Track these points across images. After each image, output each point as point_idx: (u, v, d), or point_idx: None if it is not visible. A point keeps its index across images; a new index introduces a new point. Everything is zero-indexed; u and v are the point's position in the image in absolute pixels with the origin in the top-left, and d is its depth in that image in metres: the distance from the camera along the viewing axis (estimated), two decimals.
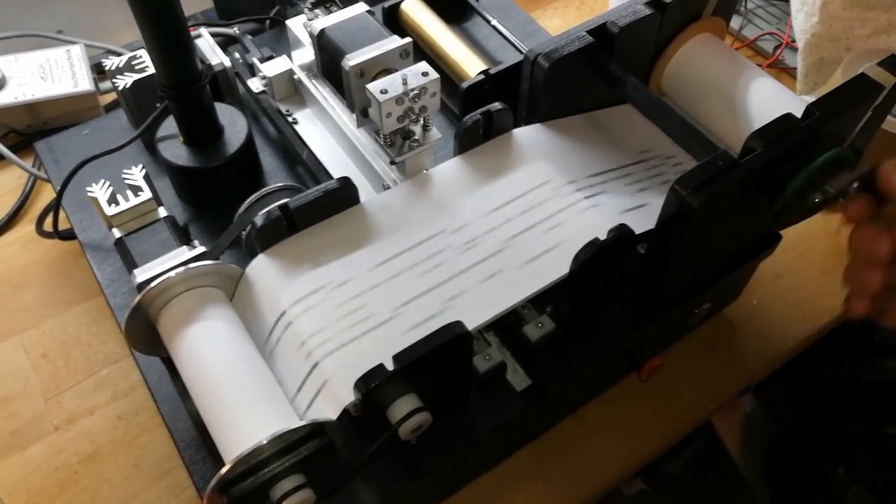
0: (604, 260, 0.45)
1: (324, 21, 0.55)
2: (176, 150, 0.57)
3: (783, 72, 0.82)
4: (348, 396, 0.40)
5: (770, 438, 0.90)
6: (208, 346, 0.43)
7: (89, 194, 0.49)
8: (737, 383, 0.62)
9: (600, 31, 0.51)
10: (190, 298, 0.45)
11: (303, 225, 0.48)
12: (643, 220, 0.48)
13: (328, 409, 0.41)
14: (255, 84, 0.63)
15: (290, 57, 0.63)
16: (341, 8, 0.59)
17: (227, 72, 0.62)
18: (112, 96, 0.76)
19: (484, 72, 0.59)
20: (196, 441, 0.48)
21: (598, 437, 0.58)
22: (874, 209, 0.42)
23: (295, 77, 0.62)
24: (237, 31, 0.72)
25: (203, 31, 0.64)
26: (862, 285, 0.41)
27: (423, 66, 0.48)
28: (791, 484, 0.87)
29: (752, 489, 0.90)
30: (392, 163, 0.51)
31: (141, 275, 0.46)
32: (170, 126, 0.58)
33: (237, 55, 0.65)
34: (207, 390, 0.42)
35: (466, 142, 0.52)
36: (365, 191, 0.56)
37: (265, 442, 0.37)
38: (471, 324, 0.42)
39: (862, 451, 0.77)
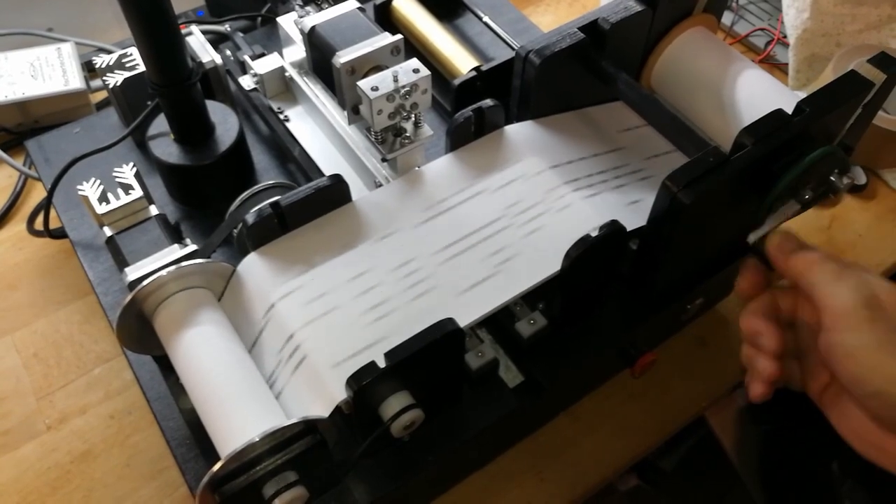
0: (595, 256, 0.45)
1: (315, 18, 0.54)
2: (167, 148, 0.57)
3: (775, 67, 0.82)
4: (340, 394, 0.40)
5: (764, 433, 0.90)
6: (201, 351, 0.43)
7: (80, 193, 0.49)
8: (730, 378, 0.62)
9: (592, 28, 0.51)
10: (179, 303, 0.45)
11: (294, 223, 0.47)
12: (635, 217, 0.48)
13: (320, 407, 0.41)
14: (247, 81, 0.62)
15: (281, 54, 0.63)
16: (332, 5, 0.59)
17: (219, 69, 0.62)
18: (103, 94, 0.75)
19: (476, 68, 0.59)
20: (188, 439, 0.48)
21: (591, 434, 0.58)
22: (766, 278, 0.43)
23: (286, 74, 0.61)
24: (228, 29, 0.72)
25: (194, 28, 0.64)
26: (756, 372, 0.42)
27: (414, 62, 0.48)
28: (785, 478, 0.87)
29: (746, 484, 0.90)
30: (383, 160, 0.51)
31: (132, 273, 0.46)
32: (161, 124, 0.58)
33: (228, 53, 0.65)
34: (202, 393, 0.42)
35: (458, 138, 0.52)
36: (357, 188, 0.56)
37: (257, 439, 0.37)
38: (463, 321, 0.42)
39: None
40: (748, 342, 0.43)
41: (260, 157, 0.62)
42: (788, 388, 0.44)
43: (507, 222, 0.49)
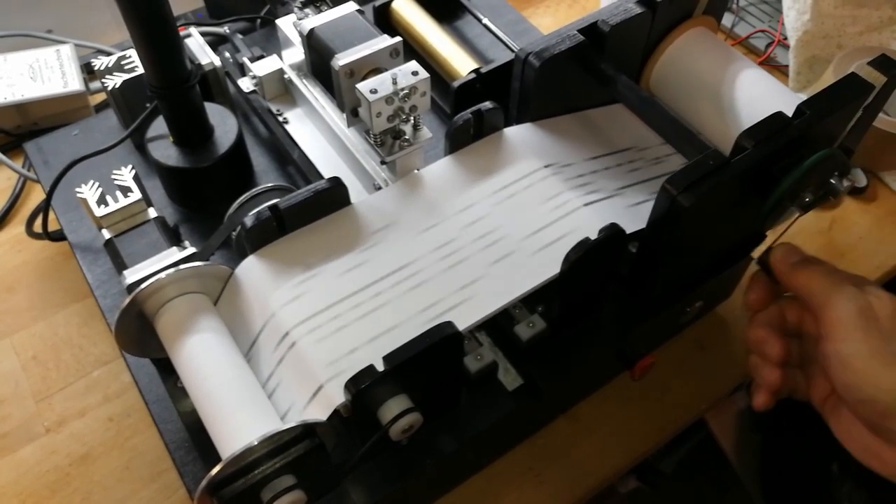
0: (595, 259, 0.45)
1: (313, 20, 0.54)
2: (166, 151, 0.57)
3: (775, 69, 0.82)
4: (338, 397, 0.40)
5: (763, 435, 0.90)
6: (200, 358, 0.43)
7: (78, 195, 0.49)
8: (729, 381, 0.62)
9: (591, 30, 0.51)
10: (177, 309, 0.45)
11: (293, 225, 0.47)
12: (634, 220, 0.48)
13: (318, 411, 0.41)
14: (246, 84, 0.62)
15: (280, 56, 0.63)
16: (331, 7, 0.59)
17: (218, 71, 0.62)
18: (102, 96, 0.75)
19: (475, 71, 0.59)
20: (187, 442, 0.48)
21: (590, 436, 0.58)
22: (772, 292, 0.45)
23: (285, 76, 0.61)
24: (227, 31, 0.72)
25: (193, 30, 0.64)
26: (762, 381, 0.43)
27: (413, 65, 0.48)
28: (785, 480, 0.87)
29: (745, 486, 0.90)
30: (382, 162, 0.51)
31: (131, 276, 0.46)
32: (160, 126, 0.57)
33: (227, 55, 0.65)
34: (203, 398, 0.42)
35: (457, 141, 0.52)
36: (356, 190, 0.56)
37: (255, 443, 0.37)
38: (462, 324, 0.42)
39: None
40: (754, 352, 0.44)
41: (259, 159, 0.62)
42: (793, 397, 0.45)
43: (505, 225, 0.49)
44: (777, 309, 0.44)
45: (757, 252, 0.45)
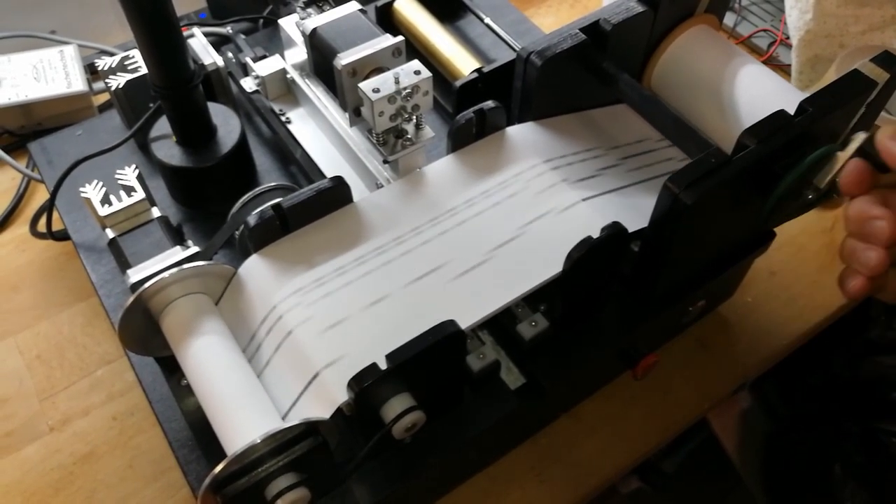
0: (597, 258, 0.45)
1: (316, 20, 0.54)
2: (169, 150, 0.57)
3: (777, 69, 0.82)
4: (341, 395, 0.40)
5: (766, 436, 0.90)
6: (205, 359, 0.44)
7: (82, 195, 0.49)
8: (732, 381, 0.62)
9: (593, 29, 0.51)
10: (180, 309, 0.45)
11: (296, 224, 0.47)
12: (636, 218, 0.48)
13: (321, 409, 0.41)
14: (249, 83, 0.63)
15: (283, 56, 0.63)
16: (334, 7, 0.59)
17: (220, 71, 0.62)
18: (105, 96, 0.75)
19: (477, 70, 0.59)
20: (190, 441, 0.48)
21: (593, 436, 0.58)
22: (872, 177, 0.40)
23: (288, 76, 0.62)
24: (230, 31, 0.72)
25: (196, 30, 0.64)
26: (860, 264, 0.39)
27: (416, 64, 0.48)
28: (787, 481, 0.87)
29: (748, 486, 0.90)
30: (385, 162, 0.51)
31: (135, 275, 0.46)
32: (163, 126, 0.58)
33: (230, 55, 0.65)
34: (208, 398, 0.43)
35: (459, 140, 0.52)
36: (358, 190, 0.56)
37: (258, 441, 0.37)
38: (464, 322, 0.42)
39: (857, 447, 0.77)
40: (855, 232, 0.39)
41: (262, 159, 0.62)
42: (877, 296, 0.41)
43: (507, 223, 0.49)
44: (878, 193, 0.40)
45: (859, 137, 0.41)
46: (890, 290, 0.40)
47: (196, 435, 0.47)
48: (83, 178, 0.51)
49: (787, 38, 0.80)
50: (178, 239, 0.50)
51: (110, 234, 0.49)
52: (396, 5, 0.67)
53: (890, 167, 0.39)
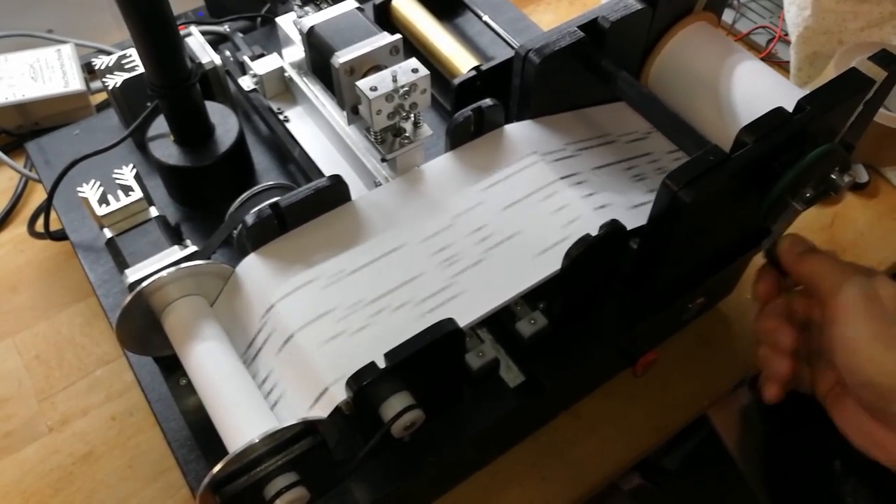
0: (596, 256, 0.45)
1: (313, 18, 0.54)
2: (167, 150, 0.57)
3: (776, 65, 0.82)
4: (340, 395, 0.40)
5: (766, 432, 0.90)
6: (204, 360, 0.44)
7: (80, 194, 0.49)
8: (732, 377, 0.62)
9: (591, 27, 0.51)
10: (178, 310, 0.45)
11: (294, 223, 0.47)
12: (635, 216, 0.48)
13: (319, 408, 0.41)
14: (246, 82, 0.62)
15: (280, 55, 0.63)
16: (331, 5, 0.59)
17: (218, 70, 0.62)
18: (103, 96, 0.75)
19: (475, 68, 0.59)
20: (189, 440, 0.48)
21: (593, 433, 0.58)
22: (779, 285, 0.45)
23: (286, 75, 0.61)
24: (227, 30, 0.72)
25: (193, 29, 0.64)
26: (772, 374, 0.43)
27: (413, 62, 0.48)
28: (788, 477, 0.87)
29: (749, 483, 0.90)
30: (383, 160, 0.51)
31: (132, 275, 0.46)
32: (160, 125, 0.58)
33: (228, 53, 0.65)
34: (209, 398, 0.43)
35: (458, 138, 0.51)
36: (356, 188, 0.56)
37: (256, 440, 0.37)
38: (463, 320, 0.42)
39: None
40: (764, 342, 0.44)
41: (260, 157, 0.62)
42: (798, 390, 0.45)
43: (505, 221, 0.49)
44: (785, 301, 0.44)
45: (764, 244, 0.46)
46: (806, 384, 0.44)
47: (195, 434, 0.47)
48: (81, 178, 0.51)
49: (786, 34, 0.79)
50: (177, 238, 0.49)
51: (108, 233, 0.49)
52: (394, 3, 0.67)
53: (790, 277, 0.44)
